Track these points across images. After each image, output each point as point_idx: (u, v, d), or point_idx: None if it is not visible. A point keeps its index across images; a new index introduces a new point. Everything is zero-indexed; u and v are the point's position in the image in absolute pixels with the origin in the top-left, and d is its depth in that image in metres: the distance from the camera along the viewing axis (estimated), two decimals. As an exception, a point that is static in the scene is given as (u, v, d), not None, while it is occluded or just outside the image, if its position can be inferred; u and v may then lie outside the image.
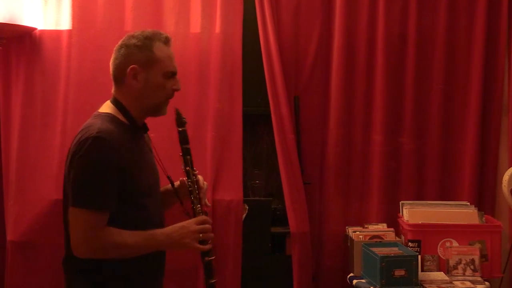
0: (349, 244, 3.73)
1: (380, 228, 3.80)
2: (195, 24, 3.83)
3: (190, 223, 2.43)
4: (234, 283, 3.78)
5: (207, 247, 2.43)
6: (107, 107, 2.46)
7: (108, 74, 3.74)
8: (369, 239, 3.65)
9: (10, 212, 3.74)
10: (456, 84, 4.05)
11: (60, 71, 3.77)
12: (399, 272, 3.30)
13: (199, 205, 2.50)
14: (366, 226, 3.83)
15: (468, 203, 3.83)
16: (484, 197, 4.06)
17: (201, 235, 2.40)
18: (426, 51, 4.02)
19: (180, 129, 2.53)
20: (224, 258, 3.72)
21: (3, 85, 3.78)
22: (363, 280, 3.48)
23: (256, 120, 4.07)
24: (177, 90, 2.47)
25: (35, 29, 3.74)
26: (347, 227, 3.85)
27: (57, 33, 3.78)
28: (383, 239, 3.65)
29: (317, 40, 3.95)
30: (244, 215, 3.83)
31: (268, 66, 3.82)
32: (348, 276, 3.63)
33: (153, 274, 2.51)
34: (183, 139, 2.53)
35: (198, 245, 2.40)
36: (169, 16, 3.81)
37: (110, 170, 2.26)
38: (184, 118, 2.53)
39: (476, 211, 3.73)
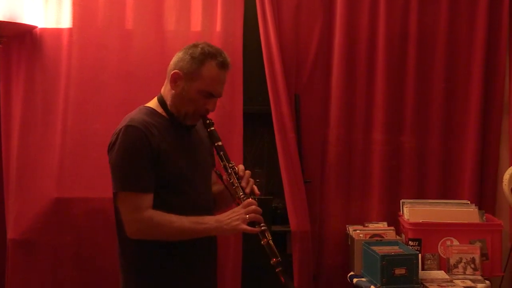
0: (349, 243, 3.73)
1: (381, 226, 3.80)
2: (196, 23, 3.84)
3: (238, 208, 2.50)
4: (235, 282, 3.79)
5: (253, 229, 2.47)
6: (151, 101, 2.63)
7: (108, 72, 3.77)
8: (369, 237, 3.65)
9: (10, 210, 3.74)
10: (457, 83, 4.04)
11: (61, 70, 3.77)
12: (400, 271, 3.29)
13: (241, 193, 2.55)
14: (366, 224, 3.83)
15: (469, 202, 3.83)
16: (485, 196, 4.05)
17: (248, 216, 2.45)
18: (427, 50, 4.02)
19: (209, 129, 2.63)
20: (224, 258, 3.72)
21: (3, 84, 3.78)
22: (363, 279, 3.48)
23: (256, 118, 4.07)
24: (210, 111, 2.59)
25: (36, 27, 3.74)
26: (347, 225, 3.85)
27: (57, 32, 3.78)
28: (383, 237, 3.65)
29: (317, 38, 3.95)
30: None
31: (269, 65, 3.82)
32: (349, 275, 3.63)
33: (202, 268, 2.62)
34: (214, 137, 2.64)
35: (246, 227, 2.46)
36: (170, 14, 3.82)
37: (144, 154, 2.42)
38: (209, 120, 2.63)
39: (476, 210, 3.73)
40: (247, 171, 2.65)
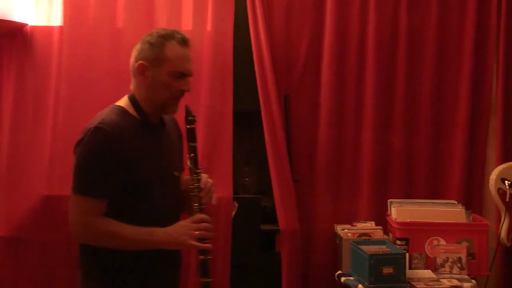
0: (337, 242, 3.76)
1: (369, 226, 3.82)
2: (187, 22, 3.84)
3: (187, 222, 2.46)
4: (224, 280, 3.80)
5: (204, 245, 2.43)
6: (122, 100, 2.54)
7: (99, 70, 3.77)
8: (357, 237, 3.67)
9: (0, 208, 3.74)
10: (446, 83, 4.08)
11: (52, 67, 3.78)
12: (388, 270, 3.31)
13: (196, 204, 2.51)
14: (354, 224, 3.85)
15: (456, 202, 3.86)
16: (472, 196, 4.08)
17: (197, 233, 2.42)
18: (416, 51, 4.05)
19: (188, 126, 2.56)
20: (213, 256, 3.70)
21: (-6, 81, 3.78)
22: (351, 278, 3.50)
23: (246, 118, 4.08)
24: (186, 91, 2.51)
25: (26, 25, 3.74)
26: (335, 225, 3.87)
27: (48, 29, 3.79)
28: (371, 237, 3.67)
29: (308, 38, 3.97)
30: (234, 213, 3.84)
31: (259, 64, 3.84)
32: (337, 274, 3.65)
33: (163, 273, 2.54)
34: (190, 136, 2.56)
35: (195, 243, 2.42)
36: (161, 13, 3.82)
37: (107, 160, 2.34)
38: (192, 116, 2.56)
39: (463, 210, 3.76)
40: (210, 181, 2.62)
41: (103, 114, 2.44)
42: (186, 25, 3.84)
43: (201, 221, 2.46)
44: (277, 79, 3.88)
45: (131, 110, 2.49)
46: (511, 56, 4.07)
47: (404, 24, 4.01)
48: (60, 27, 3.77)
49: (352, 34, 3.99)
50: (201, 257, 2.46)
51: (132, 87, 2.54)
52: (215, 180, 3.73)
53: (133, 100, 2.51)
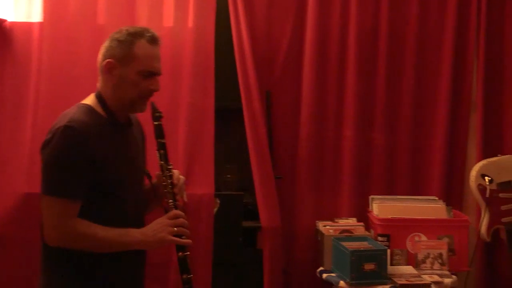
0: (319, 238, 3.76)
1: (350, 222, 3.83)
2: (168, 18, 3.83)
3: (162, 218, 2.43)
4: (205, 277, 3.78)
5: (183, 240, 2.42)
6: (88, 98, 2.47)
7: (80, 67, 3.74)
8: (339, 233, 3.68)
9: (-20, 205, 3.71)
10: (426, 80, 4.10)
11: (31, 64, 3.74)
12: (369, 266, 3.33)
13: (171, 200, 2.48)
14: (336, 220, 3.86)
15: (437, 198, 3.89)
16: (453, 192, 4.11)
17: (175, 229, 2.40)
18: (397, 48, 4.06)
19: (156, 123, 2.52)
20: (195, 253, 3.71)
21: (-27, 78, 3.74)
22: (333, 274, 3.51)
23: (228, 114, 4.08)
24: (154, 90, 2.46)
25: (5, 20, 3.71)
26: (317, 221, 3.88)
27: (28, 25, 3.75)
28: (353, 233, 3.68)
29: (289, 35, 3.98)
30: (216, 209, 3.83)
31: (241, 61, 3.83)
32: (318, 270, 3.66)
33: (130, 274, 2.51)
34: (158, 133, 2.52)
35: (174, 238, 2.39)
36: (142, 9, 3.80)
37: (79, 160, 2.27)
38: (159, 112, 2.53)
39: (444, 206, 3.79)
40: (182, 178, 2.59)
41: (70, 113, 2.36)
42: (167, 21, 3.82)
43: (177, 216, 2.43)
44: (259, 76, 3.87)
45: (98, 108, 2.43)
46: (491, 53, 4.10)
47: (385, 22, 4.02)
48: (40, 23, 3.74)
49: (334, 31, 4.00)
50: (180, 253, 2.44)
51: (99, 85, 2.48)
52: (196, 177, 3.78)
53: (100, 98, 2.44)
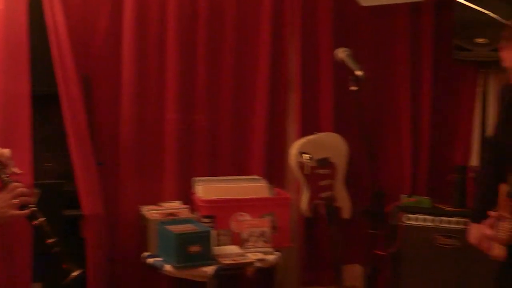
0: (144, 223, 3.73)
1: (175, 206, 3.84)
2: (-26, -1, 3.60)
3: (1, 194, 2.33)
4: (25, 270, 3.63)
5: (27, 211, 2.34)
6: None
7: None
8: (164, 217, 3.66)
9: None
10: (246, 61, 4.18)
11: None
12: (194, 248, 3.35)
13: (4, 176, 2.38)
14: (161, 204, 3.85)
15: (260, 178, 3.98)
16: (274, 171, 4.22)
17: (16, 201, 2.32)
18: (217, 31, 4.11)
19: None
20: (13, 245, 3.56)
21: None
22: (159, 258, 3.50)
23: (46, 100, 3.91)
24: None
25: None
26: (141, 206, 3.84)
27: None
28: (178, 216, 3.69)
29: (107, 17, 3.90)
30: (36, 200, 3.68)
31: (55, 45, 3.67)
32: (144, 255, 3.63)
33: None
34: None
35: (16, 212, 2.32)
36: None
37: None
38: None
39: (266, 184, 3.89)
40: (5, 151, 2.48)
41: None
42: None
43: (14, 189, 2.34)
44: (76, 60, 3.73)
45: None
46: (307, 33, 4.25)
47: (205, 1, 4.03)
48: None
49: (152, 12, 3.96)
50: (34, 222, 2.36)
51: None
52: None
53: None
